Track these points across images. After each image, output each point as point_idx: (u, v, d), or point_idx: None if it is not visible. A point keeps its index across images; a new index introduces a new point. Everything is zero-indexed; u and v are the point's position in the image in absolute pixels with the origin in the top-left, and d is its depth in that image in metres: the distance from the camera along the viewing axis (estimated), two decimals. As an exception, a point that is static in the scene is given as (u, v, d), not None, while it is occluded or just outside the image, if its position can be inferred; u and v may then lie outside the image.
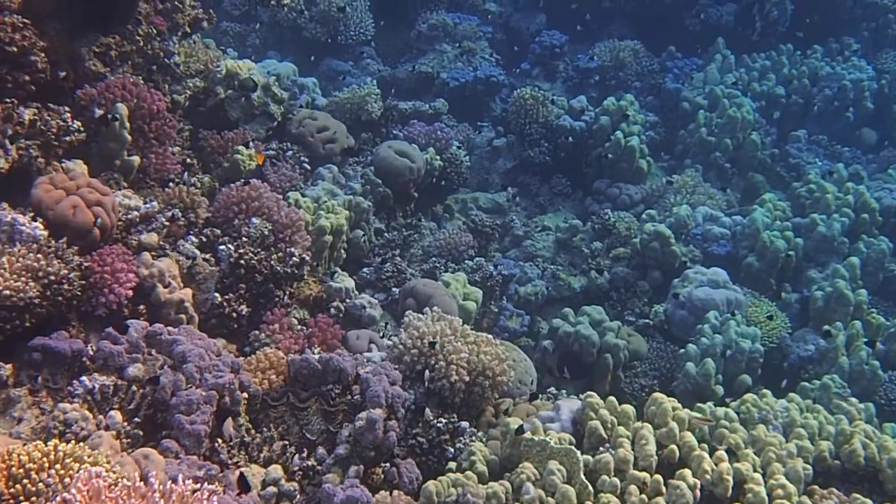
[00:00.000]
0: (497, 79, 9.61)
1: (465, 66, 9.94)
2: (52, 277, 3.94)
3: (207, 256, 5.01)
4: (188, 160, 5.79)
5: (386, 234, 7.05)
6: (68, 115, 4.65)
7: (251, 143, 6.42)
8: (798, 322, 7.56)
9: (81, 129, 4.68)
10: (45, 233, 4.07)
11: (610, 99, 9.03)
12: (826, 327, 7.10)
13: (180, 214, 5.00)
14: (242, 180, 5.66)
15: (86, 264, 4.17)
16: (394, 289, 6.45)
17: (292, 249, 5.09)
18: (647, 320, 7.29)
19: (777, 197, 8.95)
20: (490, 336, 4.96)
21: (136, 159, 5.13)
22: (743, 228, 8.02)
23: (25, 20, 4.64)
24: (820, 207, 8.42)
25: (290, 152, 6.86)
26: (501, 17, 10.90)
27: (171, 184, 5.22)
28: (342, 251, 6.23)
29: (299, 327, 5.02)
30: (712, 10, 10.62)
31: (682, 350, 6.68)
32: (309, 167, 6.91)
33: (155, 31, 5.60)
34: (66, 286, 4.01)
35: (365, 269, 6.57)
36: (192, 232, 5.07)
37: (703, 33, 10.68)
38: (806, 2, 10.97)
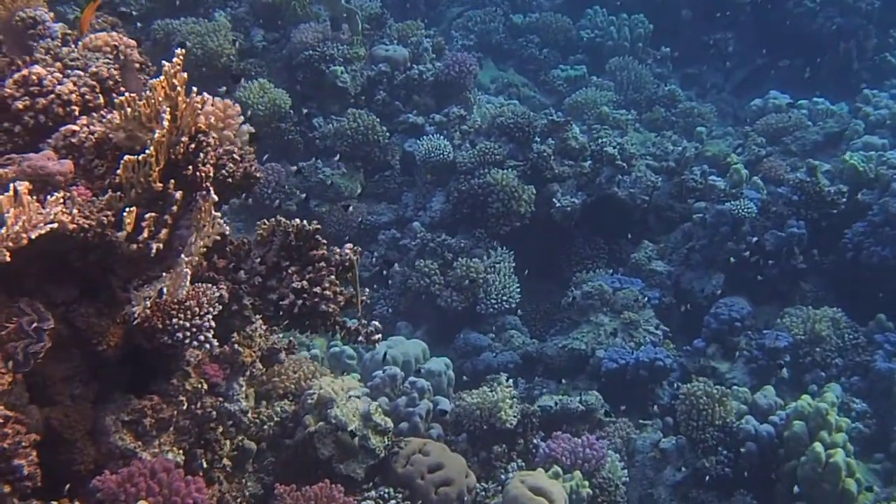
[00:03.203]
0: (663, 363, 7.99)
1: (625, 340, 8.40)
2: None
3: None
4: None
5: None
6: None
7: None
8: None
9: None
10: None
11: (805, 398, 7.26)
12: None
13: None
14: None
15: None
16: None
17: None
18: None
19: None
20: None
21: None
22: None
23: (8, 412, 3.50)
24: None
25: (392, 501, 5.42)
26: (671, 278, 9.36)
27: None
28: None
29: None
30: (934, 272, 8.75)
31: None
32: (416, 518, 5.45)
33: (206, 384, 4.39)
34: None
35: None
36: None
37: (921, 299, 8.80)
38: None
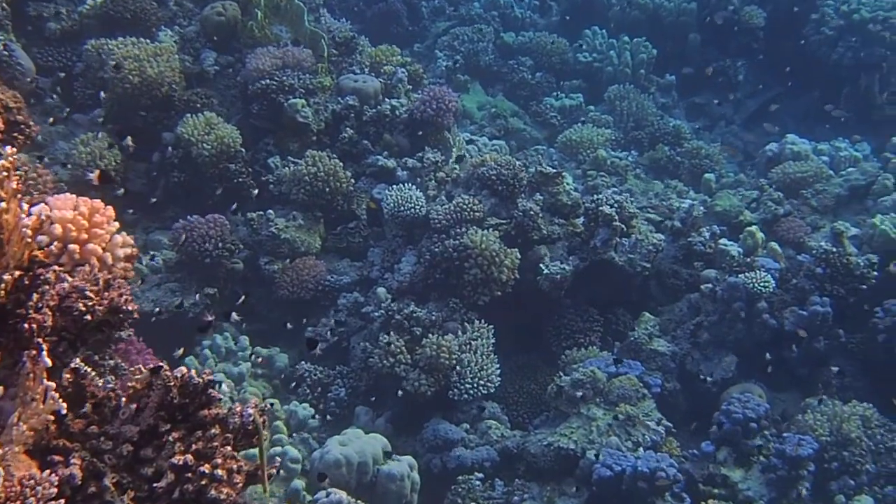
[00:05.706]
0: (666, 473, 6.71)
1: (622, 439, 7.14)
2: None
3: None
4: None
5: None
6: None
7: None
8: None
9: None
10: None
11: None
12: None
13: None
14: None
15: None
16: None
17: None
18: None
19: None
20: None
21: None
22: None
23: None
24: None
25: None
26: (675, 360, 8.06)
27: None
28: None
29: None
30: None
31: None
32: None
33: None
34: None
35: None
36: None
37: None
38: None
